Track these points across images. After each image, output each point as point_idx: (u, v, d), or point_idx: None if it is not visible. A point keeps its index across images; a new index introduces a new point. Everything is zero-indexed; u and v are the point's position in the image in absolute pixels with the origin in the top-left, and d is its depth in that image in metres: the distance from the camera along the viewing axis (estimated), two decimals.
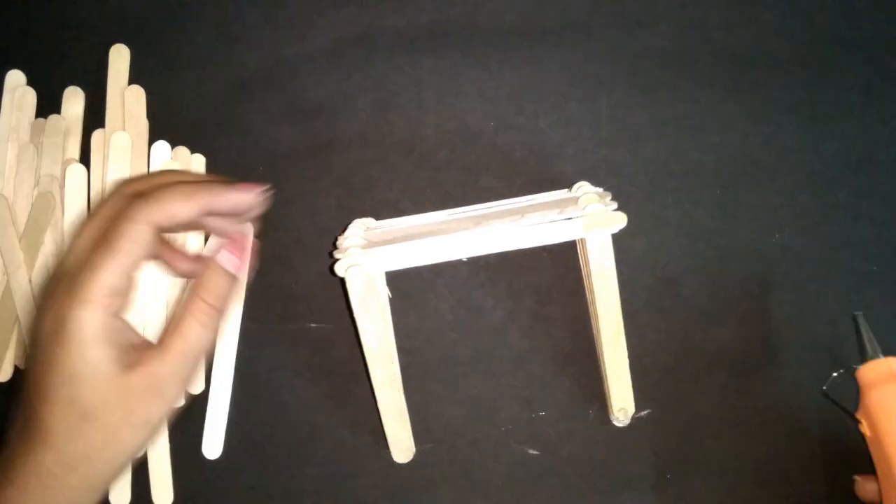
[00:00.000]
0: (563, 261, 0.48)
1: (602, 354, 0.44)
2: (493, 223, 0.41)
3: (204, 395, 0.48)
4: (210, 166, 0.50)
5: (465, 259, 0.48)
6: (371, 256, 0.41)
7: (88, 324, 0.32)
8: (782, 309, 0.47)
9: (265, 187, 0.37)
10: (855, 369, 0.44)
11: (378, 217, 0.48)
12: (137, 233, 0.33)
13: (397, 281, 0.48)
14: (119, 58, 0.50)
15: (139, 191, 0.35)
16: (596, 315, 0.43)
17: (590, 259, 0.41)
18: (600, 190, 0.44)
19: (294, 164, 0.50)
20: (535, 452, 0.47)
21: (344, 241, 0.43)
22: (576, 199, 0.42)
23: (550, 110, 0.49)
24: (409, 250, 0.41)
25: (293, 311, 0.49)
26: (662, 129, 0.49)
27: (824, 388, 0.46)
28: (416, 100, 0.50)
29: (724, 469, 0.46)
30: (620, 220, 0.40)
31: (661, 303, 0.48)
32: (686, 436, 0.46)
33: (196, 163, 0.49)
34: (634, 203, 0.48)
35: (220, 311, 0.35)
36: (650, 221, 0.48)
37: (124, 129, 0.48)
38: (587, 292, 0.47)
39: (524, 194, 0.48)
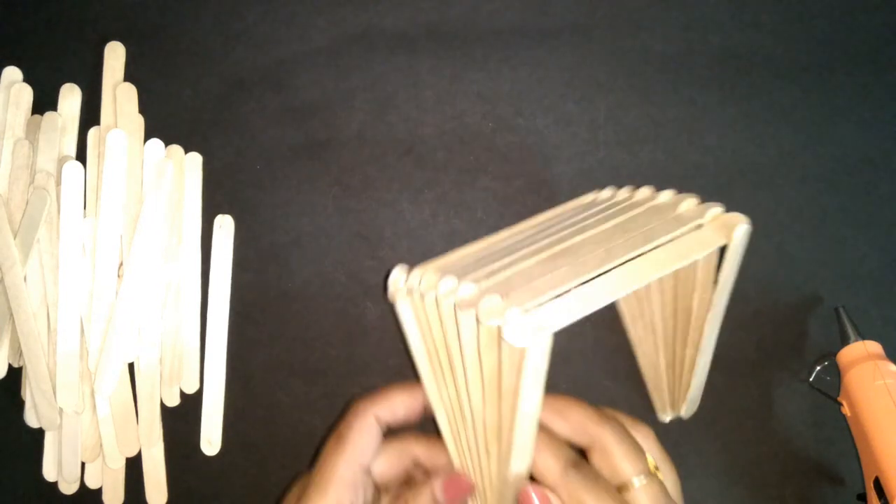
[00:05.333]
0: None
1: (681, 353, 0.43)
2: (607, 247, 0.36)
3: (198, 395, 0.48)
4: (207, 165, 0.49)
5: None
6: (538, 315, 0.32)
7: None
8: (778, 310, 0.48)
9: None
10: (835, 356, 0.45)
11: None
12: (364, 425, 0.37)
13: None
14: (114, 55, 0.50)
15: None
16: (679, 314, 0.42)
17: (726, 263, 0.38)
18: (686, 193, 0.41)
19: (291, 164, 0.50)
20: None
21: (463, 295, 0.34)
22: (672, 207, 0.39)
23: (549, 111, 0.49)
24: (572, 303, 0.34)
25: (289, 310, 0.48)
26: (660, 131, 0.49)
27: (810, 379, 0.46)
28: (414, 100, 0.50)
29: (718, 470, 0.46)
30: (743, 220, 0.38)
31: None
32: (681, 437, 0.47)
33: (193, 161, 0.49)
34: None
35: None
36: None
37: (118, 127, 0.48)
38: (658, 292, 0.45)
39: (523, 194, 0.48)
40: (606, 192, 0.45)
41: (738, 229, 0.38)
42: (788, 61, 0.49)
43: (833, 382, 0.46)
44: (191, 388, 0.48)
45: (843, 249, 0.48)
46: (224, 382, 0.48)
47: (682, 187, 0.48)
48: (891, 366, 0.43)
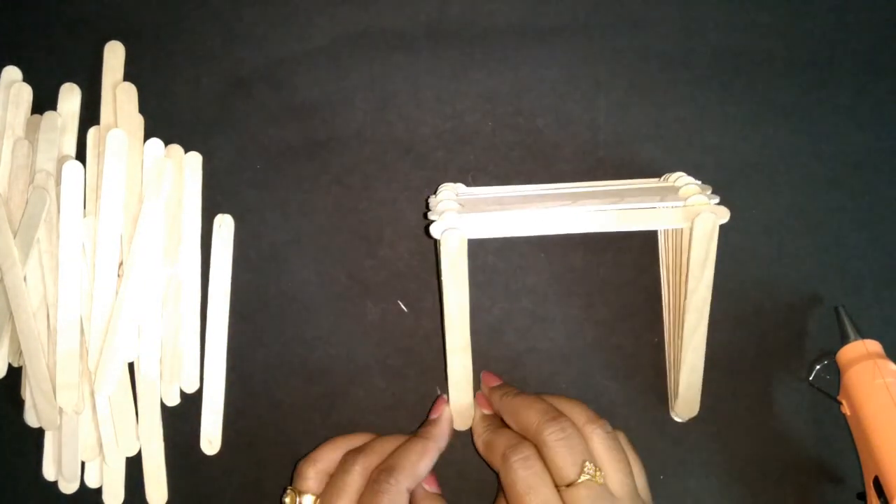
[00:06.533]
0: (560, 261, 0.48)
1: (676, 349, 0.44)
2: (590, 202, 0.41)
3: (197, 395, 0.48)
4: (207, 164, 0.49)
5: None
6: (467, 221, 0.40)
7: None
8: (779, 310, 0.48)
9: (442, 395, 0.45)
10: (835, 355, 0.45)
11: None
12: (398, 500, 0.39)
13: (395, 282, 0.48)
14: (113, 55, 0.50)
15: (371, 463, 0.41)
16: (679, 308, 0.43)
17: (692, 249, 0.40)
18: (699, 182, 0.43)
19: (291, 163, 0.50)
20: None
21: (438, 203, 0.43)
22: (674, 189, 0.42)
23: (548, 111, 0.49)
24: (505, 219, 0.41)
25: (289, 310, 0.48)
26: (660, 131, 0.49)
27: (810, 378, 0.46)
28: (414, 99, 0.50)
29: (718, 470, 0.46)
30: (725, 214, 0.40)
31: (658, 303, 0.48)
32: (680, 436, 0.47)
33: (192, 160, 0.49)
34: None
35: None
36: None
37: (117, 127, 0.48)
38: (667, 283, 0.47)
39: None
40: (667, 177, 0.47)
41: (701, 217, 0.39)
42: (788, 61, 0.49)
43: (833, 382, 0.46)
44: (191, 388, 0.48)
45: (843, 249, 0.48)
46: (224, 382, 0.48)
47: None
48: (890, 365, 0.43)
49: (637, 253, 0.48)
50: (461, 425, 0.45)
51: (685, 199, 0.41)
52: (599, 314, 0.48)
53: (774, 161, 0.49)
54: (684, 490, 0.46)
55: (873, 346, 0.44)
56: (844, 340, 0.45)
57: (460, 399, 0.44)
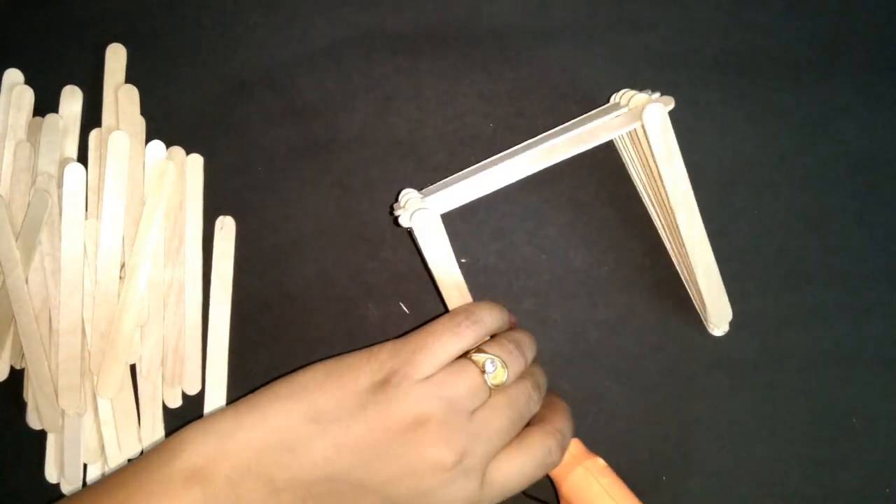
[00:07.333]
0: (562, 263, 0.48)
1: (684, 259, 0.44)
2: (543, 142, 0.41)
3: (199, 397, 0.48)
4: (208, 166, 0.49)
5: (463, 260, 0.48)
6: (431, 201, 0.41)
7: None
8: (779, 310, 0.48)
9: None
10: None
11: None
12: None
13: (396, 283, 0.48)
14: (115, 57, 0.50)
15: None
16: (668, 211, 0.43)
17: (652, 147, 0.40)
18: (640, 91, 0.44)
19: (292, 165, 0.50)
20: None
21: (401, 198, 0.43)
22: (618, 104, 0.43)
23: (549, 112, 0.49)
24: (466, 186, 0.41)
25: (291, 311, 0.48)
26: None
27: None
28: (415, 101, 0.50)
29: (719, 470, 0.46)
30: (669, 102, 0.40)
31: (658, 304, 0.48)
32: (682, 437, 0.47)
33: (194, 163, 0.49)
34: (633, 203, 0.48)
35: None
36: (649, 221, 0.48)
37: (119, 129, 0.48)
38: (646, 194, 0.47)
39: (524, 195, 0.48)
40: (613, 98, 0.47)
41: (648, 110, 0.40)
42: (788, 61, 0.50)
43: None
44: (193, 390, 0.48)
45: (843, 249, 0.48)
46: (226, 384, 0.48)
47: None
48: (599, 461, 0.42)
49: (638, 254, 0.48)
50: None
51: (628, 103, 0.41)
52: (602, 315, 0.48)
53: (774, 161, 0.49)
54: (686, 491, 0.46)
55: (575, 447, 0.43)
56: None
57: None
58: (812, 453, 0.46)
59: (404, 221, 0.41)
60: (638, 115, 0.40)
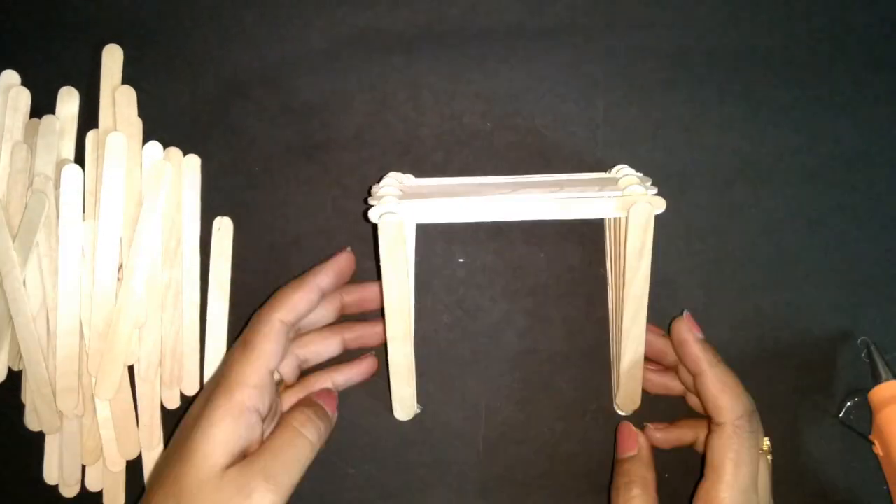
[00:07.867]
0: (560, 262, 0.48)
1: (618, 342, 0.44)
2: (532, 192, 0.41)
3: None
4: (206, 167, 0.49)
5: (461, 259, 0.48)
6: (406, 206, 0.40)
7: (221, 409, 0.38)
8: (778, 309, 0.48)
9: (347, 249, 0.45)
10: (867, 392, 0.44)
11: None
12: (271, 331, 0.40)
13: None
14: (112, 58, 0.50)
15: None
16: (619, 300, 0.43)
17: (628, 238, 0.40)
18: (640, 174, 0.44)
19: (289, 165, 0.50)
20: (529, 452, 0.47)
21: (380, 189, 0.42)
22: (615, 180, 0.42)
23: (547, 111, 0.49)
24: (444, 206, 0.41)
25: None
26: (659, 130, 0.49)
27: (840, 415, 0.46)
28: (412, 101, 0.50)
29: None
30: (661, 204, 0.40)
31: (657, 304, 0.48)
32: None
33: (191, 163, 0.49)
34: None
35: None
36: None
37: (116, 130, 0.48)
38: (611, 276, 0.46)
39: None
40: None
41: (636, 207, 0.40)
42: (787, 60, 0.49)
43: (863, 418, 0.45)
44: (191, 391, 0.48)
45: (843, 248, 0.48)
46: None
47: (681, 186, 0.49)
48: None
49: None
50: (402, 415, 0.45)
51: (623, 189, 0.41)
52: (599, 314, 0.48)
53: (772, 160, 0.49)
54: (688, 489, 0.46)
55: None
56: (876, 380, 0.44)
57: (401, 389, 0.44)
58: (811, 449, 0.46)
59: (373, 217, 0.40)
60: (626, 207, 0.40)
